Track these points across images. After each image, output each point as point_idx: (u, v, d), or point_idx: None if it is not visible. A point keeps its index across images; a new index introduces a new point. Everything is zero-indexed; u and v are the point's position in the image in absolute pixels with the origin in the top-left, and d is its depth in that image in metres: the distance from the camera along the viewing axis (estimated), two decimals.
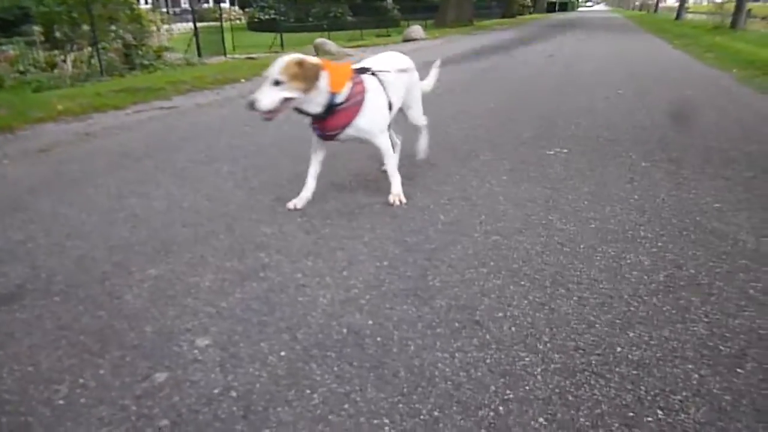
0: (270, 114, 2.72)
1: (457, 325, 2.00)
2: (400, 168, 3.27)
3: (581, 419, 1.55)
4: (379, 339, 1.93)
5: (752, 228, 2.77)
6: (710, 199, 3.16)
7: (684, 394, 1.64)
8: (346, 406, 1.61)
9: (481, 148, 4.34)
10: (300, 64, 2.71)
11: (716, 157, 4.01)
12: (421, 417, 1.57)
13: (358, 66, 3.06)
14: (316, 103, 2.82)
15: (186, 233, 2.82)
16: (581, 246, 2.61)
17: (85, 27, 9.90)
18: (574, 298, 2.17)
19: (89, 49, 9.80)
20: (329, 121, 2.90)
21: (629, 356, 1.81)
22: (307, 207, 3.09)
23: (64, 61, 9.51)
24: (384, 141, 3.12)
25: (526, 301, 2.15)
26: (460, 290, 2.24)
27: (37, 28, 10.75)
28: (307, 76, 2.71)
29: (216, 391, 1.68)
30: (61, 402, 1.65)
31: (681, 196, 3.24)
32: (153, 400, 1.65)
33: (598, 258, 2.49)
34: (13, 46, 10.16)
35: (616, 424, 1.52)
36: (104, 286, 2.31)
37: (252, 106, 2.66)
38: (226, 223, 2.91)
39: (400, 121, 3.53)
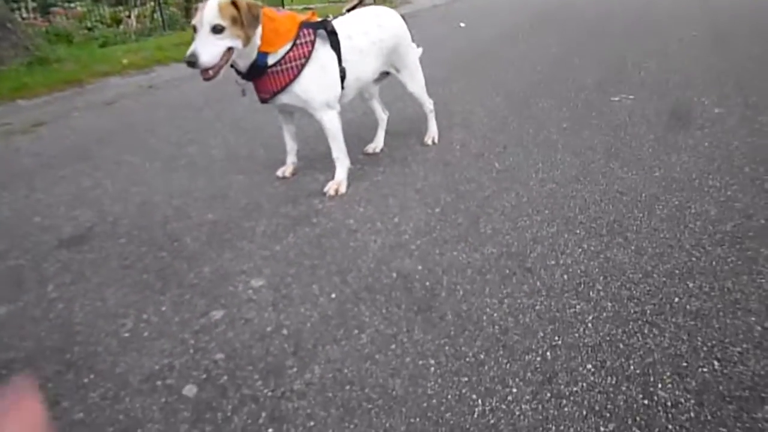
0: (213, 69, 2.25)
1: (507, 271, 1.98)
2: (444, 121, 3.19)
3: (631, 367, 1.51)
4: (427, 284, 1.93)
5: None
6: None
7: (744, 345, 1.57)
8: (392, 346, 1.64)
9: (541, 95, 4.18)
10: (235, 4, 2.24)
11: None
12: (467, 359, 1.57)
13: (317, 20, 2.54)
14: (245, 59, 2.38)
15: (242, 180, 2.89)
16: (642, 195, 2.50)
17: None
18: (632, 247, 2.10)
19: (152, 4, 10.00)
20: (260, 83, 2.47)
21: (687, 306, 1.75)
22: (359, 155, 3.08)
23: (129, 16, 9.76)
24: (329, 117, 2.60)
25: (580, 250, 2.10)
26: (511, 238, 2.20)
27: None
28: (247, 20, 2.25)
29: (268, 329, 1.75)
30: (126, 335, 1.76)
31: (756, 143, 3.03)
32: (210, 335, 1.73)
33: (660, 207, 2.38)
34: (80, 3, 10.49)
35: (668, 373, 1.48)
36: (165, 230, 2.41)
37: (192, 62, 2.19)
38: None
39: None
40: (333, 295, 1.90)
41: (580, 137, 3.25)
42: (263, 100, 2.57)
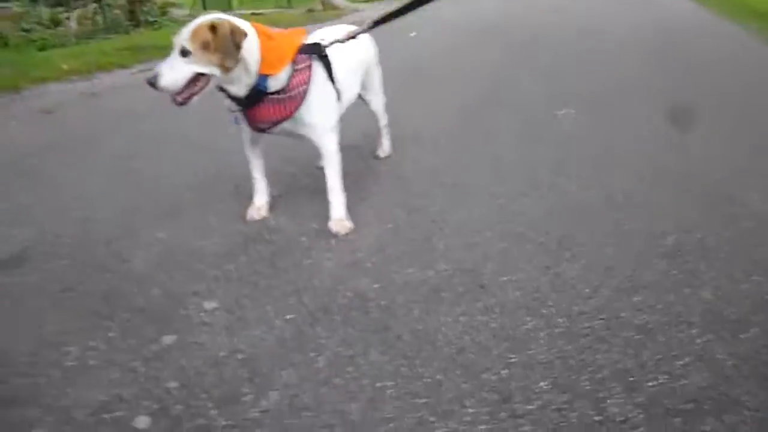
0: (181, 95, 2.08)
1: (461, 289, 2.01)
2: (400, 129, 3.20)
3: (582, 383, 1.56)
4: (383, 303, 1.94)
5: (761, 192, 2.72)
6: (722, 163, 3.09)
7: (687, 359, 1.64)
8: (350, 368, 1.64)
9: (490, 107, 4.27)
10: (214, 28, 2.02)
11: (728, 118, 3.91)
12: (424, 380, 1.59)
13: (310, 44, 2.37)
14: (239, 85, 2.18)
15: (192, 196, 2.82)
16: (588, 210, 2.59)
17: None
18: (581, 262, 2.16)
19: (94, 5, 9.66)
20: (259, 111, 2.25)
21: (633, 321, 1.81)
22: (313, 169, 3.06)
23: (69, 18, 9.38)
24: (330, 142, 2.44)
25: (530, 266, 2.15)
26: (464, 254, 2.24)
27: None
28: (222, 47, 2.02)
29: (222, 353, 1.71)
30: (71, 364, 1.68)
31: (691, 159, 3.18)
32: (161, 362, 1.68)
33: (605, 222, 2.47)
34: (17, 3, 10.01)
35: (618, 389, 1.53)
36: (111, 249, 2.33)
37: (153, 83, 2.03)
38: (234, 186, 2.89)
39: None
40: (288, 317, 1.88)
41: (528, 151, 3.34)
42: (261, 130, 2.36)
